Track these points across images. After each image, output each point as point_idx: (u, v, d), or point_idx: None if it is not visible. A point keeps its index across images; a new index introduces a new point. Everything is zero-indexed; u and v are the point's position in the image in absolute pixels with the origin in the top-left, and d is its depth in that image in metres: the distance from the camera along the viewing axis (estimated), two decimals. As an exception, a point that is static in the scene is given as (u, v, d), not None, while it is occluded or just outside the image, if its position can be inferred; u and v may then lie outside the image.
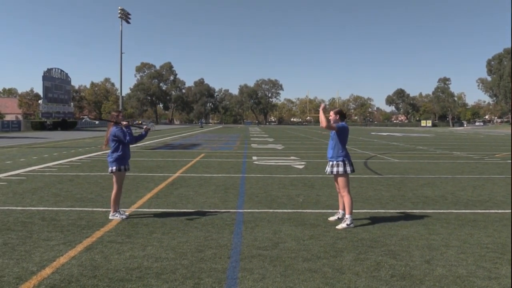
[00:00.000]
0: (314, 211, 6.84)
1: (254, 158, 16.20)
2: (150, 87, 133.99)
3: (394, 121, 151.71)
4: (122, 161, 6.27)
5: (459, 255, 4.64)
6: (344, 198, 5.93)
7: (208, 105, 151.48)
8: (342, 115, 6.17)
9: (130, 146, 6.52)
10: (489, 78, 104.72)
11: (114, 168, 6.23)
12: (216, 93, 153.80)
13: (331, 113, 6.19)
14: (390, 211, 6.85)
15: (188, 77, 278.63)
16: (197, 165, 13.45)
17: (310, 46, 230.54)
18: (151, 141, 27.55)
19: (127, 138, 6.26)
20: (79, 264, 4.22)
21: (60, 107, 57.10)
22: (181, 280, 3.85)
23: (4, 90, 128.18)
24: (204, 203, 7.36)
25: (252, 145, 24.86)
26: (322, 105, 6.12)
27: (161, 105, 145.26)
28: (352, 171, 6.00)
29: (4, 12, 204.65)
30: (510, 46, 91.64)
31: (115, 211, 6.21)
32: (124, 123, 6.39)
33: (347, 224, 5.74)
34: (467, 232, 5.62)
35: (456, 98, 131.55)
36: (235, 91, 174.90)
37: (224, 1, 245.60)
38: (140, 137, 6.63)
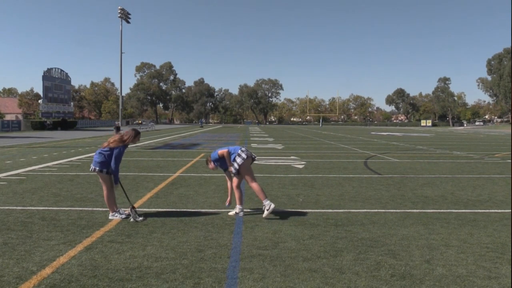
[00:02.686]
0: (314, 211, 6.84)
1: (254, 158, 16.17)
2: (150, 87, 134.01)
3: (394, 121, 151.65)
4: (107, 166, 6.18)
5: (459, 255, 4.64)
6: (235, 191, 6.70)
7: (208, 104, 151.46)
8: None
9: (128, 146, 6.48)
10: (489, 78, 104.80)
11: (97, 168, 6.16)
12: (216, 93, 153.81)
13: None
14: (390, 211, 6.85)
15: (188, 77, 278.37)
16: (197, 164, 13.45)
17: (310, 46, 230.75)
18: (151, 141, 27.56)
19: (116, 165, 6.14)
20: (79, 264, 4.22)
21: (60, 107, 57.12)
22: (181, 280, 3.85)
23: (4, 89, 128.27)
24: (204, 203, 7.37)
25: (252, 144, 24.85)
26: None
27: (161, 105, 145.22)
28: (236, 168, 6.60)
29: (4, 11, 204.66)
30: (510, 46, 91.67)
31: (114, 211, 6.20)
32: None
33: (235, 212, 6.49)
34: (467, 232, 5.62)
35: (456, 98, 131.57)
36: (235, 91, 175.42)
37: (224, 1, 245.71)
38: (116, 177, 6.20)
